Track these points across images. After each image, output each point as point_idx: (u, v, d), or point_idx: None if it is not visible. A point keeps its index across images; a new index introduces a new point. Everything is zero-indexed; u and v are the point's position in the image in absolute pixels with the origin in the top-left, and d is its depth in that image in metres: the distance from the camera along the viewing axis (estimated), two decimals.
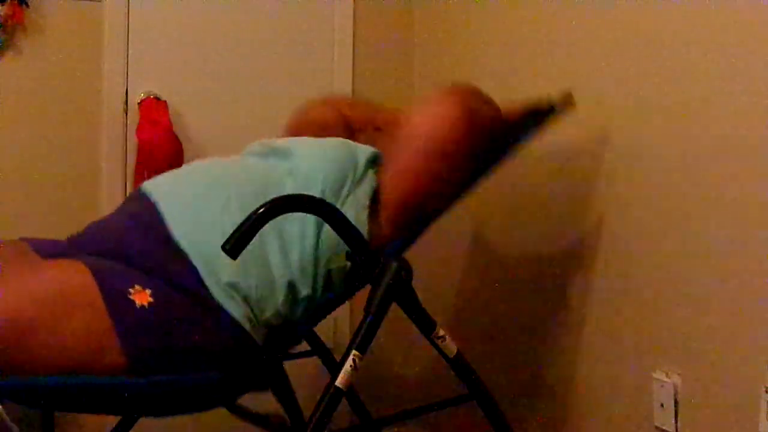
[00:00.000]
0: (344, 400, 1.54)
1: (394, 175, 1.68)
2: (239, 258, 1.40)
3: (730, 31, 1.60)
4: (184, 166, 1.83)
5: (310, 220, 1.56)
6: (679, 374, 1.67)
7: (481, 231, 2.31)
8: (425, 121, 1.70)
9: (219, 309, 1.48)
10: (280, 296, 1.53)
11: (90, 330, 1.39)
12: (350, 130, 1.96)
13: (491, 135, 1.74)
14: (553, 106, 1.80)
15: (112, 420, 1.80)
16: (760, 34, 1.53)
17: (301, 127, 1.93)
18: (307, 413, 1.51)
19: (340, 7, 2.61)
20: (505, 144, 1.75)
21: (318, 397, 1.47)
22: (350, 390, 1.57)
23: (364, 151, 1.72)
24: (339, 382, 1.45)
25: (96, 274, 1.44)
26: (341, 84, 2.59)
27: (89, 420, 2.25)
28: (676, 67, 1.70)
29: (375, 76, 2.64)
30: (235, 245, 1.35)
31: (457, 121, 1.68)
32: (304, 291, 1.55)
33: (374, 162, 1.72)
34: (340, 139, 1.76)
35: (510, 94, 2.21)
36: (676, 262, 1.68)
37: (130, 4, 2.36)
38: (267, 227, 1.43)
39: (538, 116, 1.80)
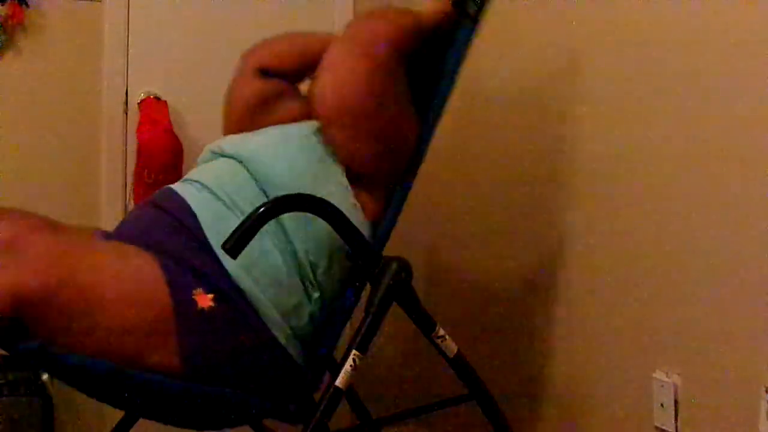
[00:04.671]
0: (344, 400, 1.54)
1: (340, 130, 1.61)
2: (269, 270, 1.43)
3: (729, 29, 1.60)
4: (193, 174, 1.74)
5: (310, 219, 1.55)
6: (679, 374, 1.67)
7: (481, 231, 2.31)
8: (334, 97, 1.60)
9: (263, 324, 1.47)
10: (305, 299, 1.53)
11: (152, 323, 1.37)
12: (289, 89, 1.86)
13: (416, 43, 1.68)
14: None
15: (112, 421, 1.80)
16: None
17: (242, 117, 1.85)
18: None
19: (340, 7, 2.61)
20: (438, 45, 1.72)
21: (318, 396, 1.48)
22: (350, 390, 1.57)
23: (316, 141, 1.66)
24: (339, 382, 1.45)
25: (164, 267, 1.42)
26: None
27: (89, 420, 2.25)
28: (674, 66, 1.71)
29: None
30: (235, 244, 1.35)
31: (368, 79, 1.59)
32: (315, 293, 1.55)
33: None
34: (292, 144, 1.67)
35: (510, 91, 2.22)
36: (677, 262, 1.68)
37: (130, 4, 2.36)
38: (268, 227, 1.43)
39: (461, 6, 1.74)
